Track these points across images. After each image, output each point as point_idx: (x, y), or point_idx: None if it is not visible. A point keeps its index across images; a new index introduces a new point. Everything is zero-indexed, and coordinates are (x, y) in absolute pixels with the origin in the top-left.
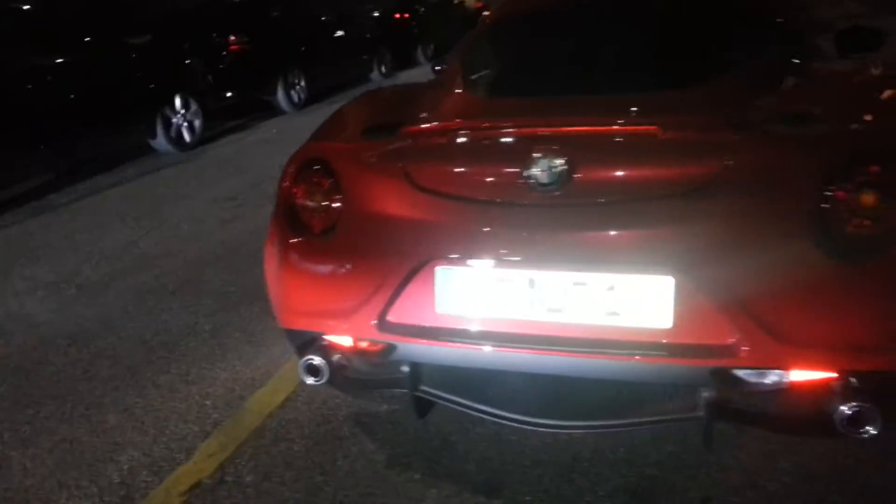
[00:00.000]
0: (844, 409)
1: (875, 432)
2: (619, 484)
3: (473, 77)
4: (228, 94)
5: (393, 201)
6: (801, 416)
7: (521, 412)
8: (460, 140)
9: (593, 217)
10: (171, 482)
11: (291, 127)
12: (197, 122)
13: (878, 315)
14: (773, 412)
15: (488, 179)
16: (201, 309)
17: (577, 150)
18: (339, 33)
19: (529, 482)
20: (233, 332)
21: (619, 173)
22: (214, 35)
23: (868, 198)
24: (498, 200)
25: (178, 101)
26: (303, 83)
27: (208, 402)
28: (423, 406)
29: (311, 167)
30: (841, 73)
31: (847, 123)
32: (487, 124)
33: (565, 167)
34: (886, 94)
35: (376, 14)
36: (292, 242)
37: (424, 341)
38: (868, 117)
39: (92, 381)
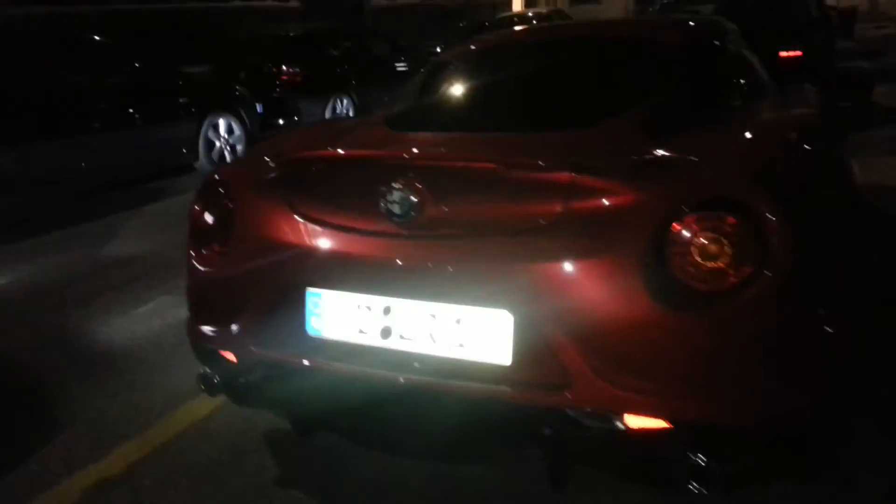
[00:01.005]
0: (682, 460)
1: (706, 491)
2: None
3: (392, 112)
4: (279, 122)
5: (276, 225)
6: (643, 464)
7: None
8: (329, 168)
9: (440, 250)
10: (80, 476)
11: None
12: (239, 147)
13: (708, 367)
14: (616, 458)
15: (353, 208)
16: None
17: (427, 184)
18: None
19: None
20: None
21: (463, 208)
22: (269, 66)
23: (705, 250)
24: (360, 229)
25: (222, 126)
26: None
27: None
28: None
29: (214, 190)
30: (750, 118)
31: (701, 171)
32: (352, 153)
33: (416, 199)
34: (768, 143)
35: None
36: (193, 261)
37: (295, 360)
38: (729, 167)
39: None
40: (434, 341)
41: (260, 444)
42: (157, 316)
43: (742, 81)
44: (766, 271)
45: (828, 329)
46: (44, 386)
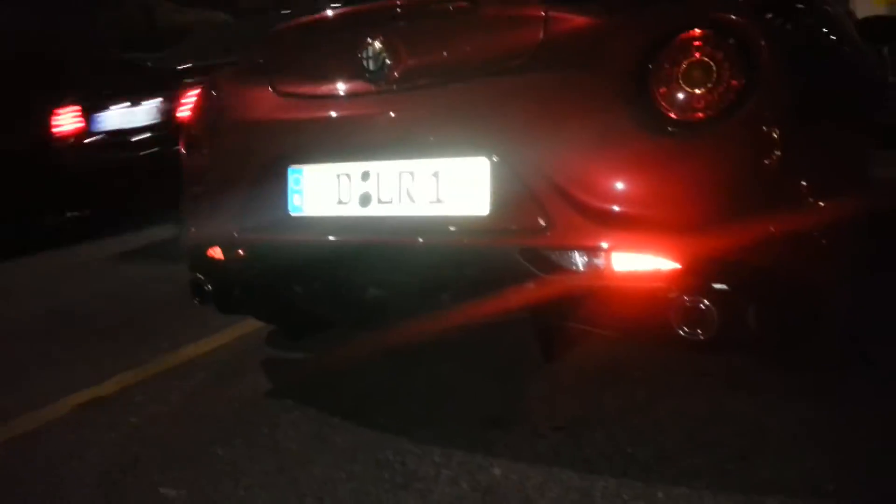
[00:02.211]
0: (677, 303)
1: (709, 335)
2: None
3: None
4: None
5: (257, 108)
6: (635, 314)
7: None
8: (304, 37)
9: (415, 101)
10: (75, 396)
11: None
12: None
13: (701, 193)
14: (611, 312)
15: (328, 75)
16: None
17: (398, 34)
18: None
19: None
20: None
21: (436, 55)
22: None
23: (691, 75)
24: (336, 94)
25: None
26: None
27: (148, 348)
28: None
29: (206, 91)
30: None
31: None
32: (324, 17)
33: (388, 51)
34: None
35: None
36: (183, 165)
37: (275, 239)
38: None
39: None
40: (413, 201)
41: (258, 370)
42: None
43: None
44: (754, 94)
45: (816, 154)
46: None
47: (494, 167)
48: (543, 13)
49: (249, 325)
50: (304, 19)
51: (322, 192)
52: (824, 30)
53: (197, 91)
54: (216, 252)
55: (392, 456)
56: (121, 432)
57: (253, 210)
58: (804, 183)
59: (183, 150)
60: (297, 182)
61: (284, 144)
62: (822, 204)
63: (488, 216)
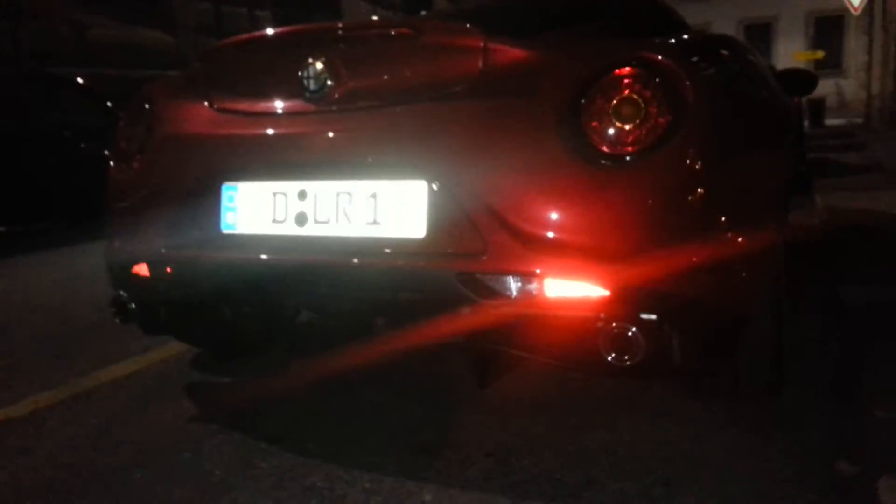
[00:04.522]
0: (605, 330)
1: (634, 360)
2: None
3: None
4: None
5: (192, 122)
6: (565, 341)
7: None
8: (243, 54)
9: (355, 122)
10: None
11: None
12: None
13: (629, 223)
14: (541, 336)
15: (267, 92)
16: None
17: (341, 55)
18: None
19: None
20: None
21: (377, 78)
22: None
23: (621, 110)
24: (274, 112)
25: None
26: None
27: (66, 369)
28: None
29: (137, 105)
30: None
31: (618, 40)
32: (265, 35)
33: (330, 72)
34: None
35: None
36: (111, 175)
37: (206, 256)
38: (646, 38)
39: None
40: (350, 221)
41: (178, 393)
42: None
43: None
44: (680, 130)
45: (737, 189)
46: None
47: (432, 191)
48: (483, 43)
49: (174, 348)
50: (245, 37)
51: (257, 210)
52: (746, 76)
53: (133, 102)
54: (142, 269)
55: (320, 482)
56: (33, 456)
57: (183, 227)
58: (725, 215)
59: (111, 162)
60: (230, 199)
61: (219, 160)
62: (741, 236)
63: (424, 239)
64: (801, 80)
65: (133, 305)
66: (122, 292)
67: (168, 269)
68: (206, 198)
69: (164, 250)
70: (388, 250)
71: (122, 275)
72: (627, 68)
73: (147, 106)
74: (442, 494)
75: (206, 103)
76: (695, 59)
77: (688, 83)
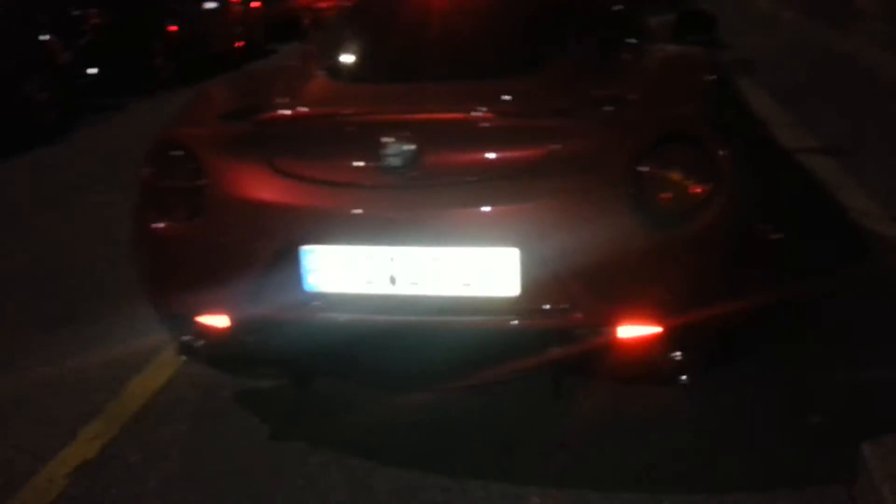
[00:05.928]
0: (668, 358)
1: (691, 378)
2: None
3: (331, 61)
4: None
5: (258, 186)
6: (636, 367)
7: (387, 378)
8: (317, 127)
9: (442, 196)
10: (53, 465)
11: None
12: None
13: (689, 275)
14: (612, 365)
15: (345, 164)
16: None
17: (425, 136)
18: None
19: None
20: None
21: (462, 157)
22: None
23: (672, 174)
24: (356, 183)
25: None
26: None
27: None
28: (303, 379)
29: (171, 153)
30: (660, 55)
31: (655, 107)
32: (344, 112)
33: (414, 151)
34: (688, 75)
35: None
36: (161, 227)
37: (294, 317)
38: (675, 100)
39: None
40: (441, 283)
41: (236, 405)
42: None
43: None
44: (720, 189)
45: (769, 233)
46: None
47: (523, 256)
48: (555, 124)
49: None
50: (318, 111)
51: (344, 271)
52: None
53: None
54: (213, 319)
55: (439, 496)
56: None
57: (262, 286)
58: (754, 270)
59: (153, 214)
60: (311, 262)
61: (295, 226)
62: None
63: (520, 297)
64: (700, 23)
65: (201, 346)
66: (189, 336)
67: (250, 326)
68: (284, 260)
69: (248, 309)
70: (481, 307)
71: (183, 323)
72: (670, 138)
73: (188, 163)
74: (546, 495)
75: (269, 167)
76: (713, 115)
77: (721, 152)
